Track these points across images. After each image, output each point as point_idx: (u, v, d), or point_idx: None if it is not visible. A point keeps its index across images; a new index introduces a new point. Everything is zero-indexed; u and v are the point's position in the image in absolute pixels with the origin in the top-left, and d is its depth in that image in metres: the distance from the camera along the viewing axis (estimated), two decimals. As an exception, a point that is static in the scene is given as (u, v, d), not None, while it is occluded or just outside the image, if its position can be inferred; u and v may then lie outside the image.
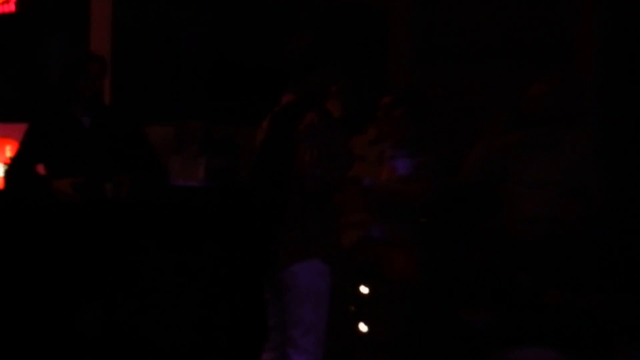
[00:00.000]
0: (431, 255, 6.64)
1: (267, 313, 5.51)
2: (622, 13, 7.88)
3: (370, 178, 6.49)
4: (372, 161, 6.59)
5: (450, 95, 8.37)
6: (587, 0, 7.99)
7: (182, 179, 7.53)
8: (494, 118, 6.89)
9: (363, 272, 6.57)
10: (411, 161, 6.53)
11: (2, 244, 6.79)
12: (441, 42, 8.58)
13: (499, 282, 6.55)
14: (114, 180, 6.28)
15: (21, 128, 6.60)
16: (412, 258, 6.46)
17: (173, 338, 7.25)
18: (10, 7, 8.64)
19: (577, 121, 6.88)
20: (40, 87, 8.71)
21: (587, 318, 6.30)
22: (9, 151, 7.27)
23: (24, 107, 8.19)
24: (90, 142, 6.34)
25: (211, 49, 8.69)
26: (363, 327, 6.56)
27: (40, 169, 6.49)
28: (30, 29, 8.90)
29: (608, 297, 6.41)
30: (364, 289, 6.56)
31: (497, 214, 6.78)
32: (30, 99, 8.60)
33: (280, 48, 5.36)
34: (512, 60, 8.33)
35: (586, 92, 7.24)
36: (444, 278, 6.59)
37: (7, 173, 6.73)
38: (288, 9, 8.79)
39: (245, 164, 7.17)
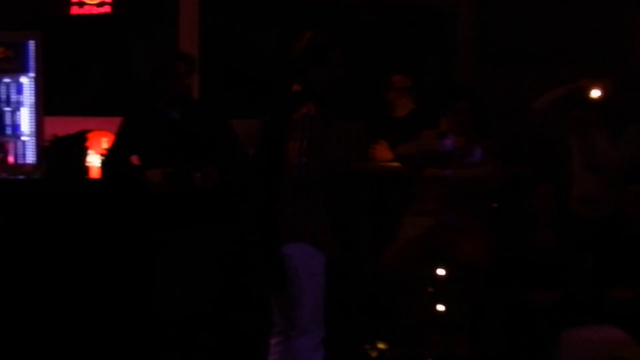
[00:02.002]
0: (501, 239, 6.90)
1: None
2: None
3: (449, 170, 6.82)
4: (442, 152, 6.89)
5: (510, 93, 8.66)
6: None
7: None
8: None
9: (439, 255, 6.87)
10: (478, 149, 6.83)
11: (98, 229, 7.16)
12: (504, 42, 8.93)
13: (565, 263, 6.78)
14: (202, 171, 6.61)
15: (116, 121, 7.00)
16: (483, 242, 6.75)
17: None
18: (106, 9, 9.10)
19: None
20: (133, 84, 9.17)
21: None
22: (105, 143, 7.64)
23: (119, 102, 8.57)
24: (180, 135, 6.70)
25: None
26: (440, 308, 6.86)
27: (134, 159, 6.88)
28: (124, 29, 9.39)
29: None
30: (440, 271, 6.86)
31: (561, 195, 7.03)
32: (123, 95, 9.02)
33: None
34: (570, 61, 8.60)
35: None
36: (514, 260, 6.80)
37: (104, 163, 7.18)
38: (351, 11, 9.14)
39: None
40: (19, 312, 6.94)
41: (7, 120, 8.30)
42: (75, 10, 9.16)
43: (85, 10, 9.13)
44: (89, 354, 6.94)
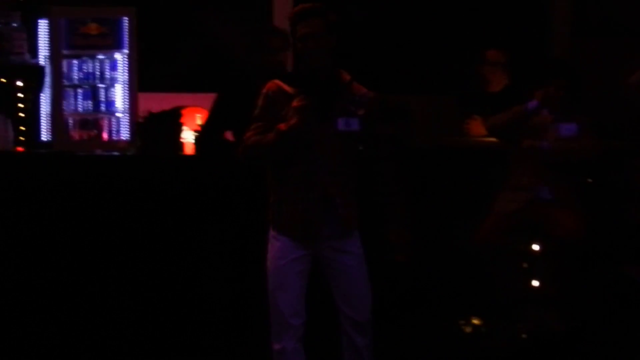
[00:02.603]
0: (596, 214, 6.91)
1: None
2: None
3: (546, 142, 6.83)
4: (537, 127, 6.90)
5: (606, 67, 8.63)
6: None
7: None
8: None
9: (533, 231, 6.90)
10: (574, 123, 6.83)
11: (191, 205, 7.33)
12: (600, 15, 8.86)
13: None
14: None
15: (210, 97, 7.12)
16: (578, 217, 6.75)
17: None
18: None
19: None
20: (226, 59, 9.29)
21: None
22: (199, 119, 7.79)
23: (212, 78, 8.70)
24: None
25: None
26: (534, 283, 6.90)
27: (229, 135, 7.02)
28: (218, 5, 9.53)
29: None
30: (535, 247, 6.89)
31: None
32: (217, 71, 9.15)
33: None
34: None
35: None
36: (609, 235, 6.81)
37: (198, 139, 7.31)
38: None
39: (416, 130, 7.58)
40: (116, 288, 7.14)
41: (102, 96, 8.56)
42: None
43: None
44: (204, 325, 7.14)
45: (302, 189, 5.19)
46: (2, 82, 8.13)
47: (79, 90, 8.47)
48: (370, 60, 9.11)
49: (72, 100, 8.46)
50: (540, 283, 6.87)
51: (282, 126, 5.04)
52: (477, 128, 7.62)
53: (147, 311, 7.03)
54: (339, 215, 5.19)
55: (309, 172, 5.18)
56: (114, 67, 8.51)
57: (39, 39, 8.42)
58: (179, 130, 7.66)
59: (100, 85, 8.52)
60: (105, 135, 8.52)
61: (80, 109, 8.49)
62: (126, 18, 8.36)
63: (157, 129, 7.67)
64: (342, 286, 5.24)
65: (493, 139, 7.27)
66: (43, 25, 8.35)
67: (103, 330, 6.97)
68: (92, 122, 8.56)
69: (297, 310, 5.16)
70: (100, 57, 8.48)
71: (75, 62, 8.44)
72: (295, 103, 5.08)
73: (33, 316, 6.96)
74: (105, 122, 8.57)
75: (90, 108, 8.53)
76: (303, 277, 5.22)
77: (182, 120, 7.65)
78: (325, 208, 5.19)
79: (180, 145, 7.69)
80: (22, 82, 8.18)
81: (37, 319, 6.96)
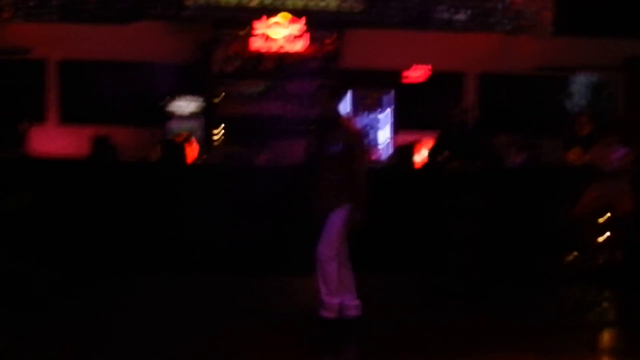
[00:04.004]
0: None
1: None
2: None
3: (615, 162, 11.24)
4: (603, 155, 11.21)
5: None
6: None
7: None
8: None
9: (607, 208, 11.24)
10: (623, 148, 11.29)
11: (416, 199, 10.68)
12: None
13: None
14: (474, 164, 11.32)
15: (431, 134, 12.00)
16: (632, 200, 11.03)
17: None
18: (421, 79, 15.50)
19: None
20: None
21: None
22: (426, 147, 12.68)
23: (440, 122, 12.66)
24: (469, 140, 11.53)
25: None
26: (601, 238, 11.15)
27: (446, 153, 11.33)
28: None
29: None
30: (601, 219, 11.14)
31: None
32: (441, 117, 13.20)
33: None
34: None
35: None
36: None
37: (428, 157, 12.00)
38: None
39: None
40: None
41: (373, 135, 14.77)
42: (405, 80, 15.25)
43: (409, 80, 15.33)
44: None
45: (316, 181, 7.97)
46: None
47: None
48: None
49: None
50: (608, 237, 11.24)
51: None
52: (576, 156, 11.49)
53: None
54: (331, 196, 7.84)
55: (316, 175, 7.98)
56: (378, 120, 14.84)
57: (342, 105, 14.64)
58: (412, 154, 12.91)
59: (372, 129, 14.86)
60: (375, 156, 14.69)
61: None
62: (388, 94, 14.67)
63: (403, 153, 13.11)
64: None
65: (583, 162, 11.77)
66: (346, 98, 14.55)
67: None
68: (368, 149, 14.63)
69: None
70: (372, 115, 14.82)
71: (359, 117, 14.72)
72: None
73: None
74: (375, 149, 14.81)
75: (366, 141, 14.62)
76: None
77: (415, 149, 12.92)
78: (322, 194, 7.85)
79: (412, 163, 12.81)
80: None
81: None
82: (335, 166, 7.80)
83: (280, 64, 14.58)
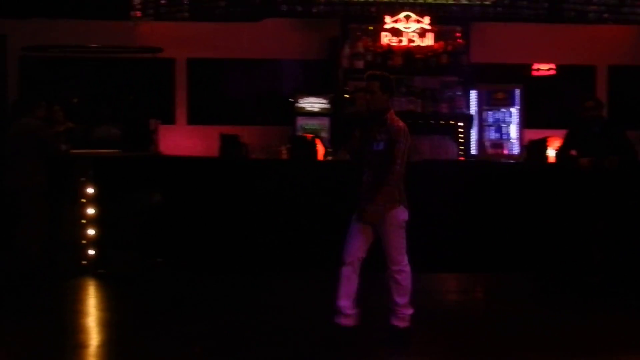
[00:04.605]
0: None
1: None
2: None
3: None
4: None
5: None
6: None
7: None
8: None
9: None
10: None
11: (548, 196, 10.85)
12: None
13: None
14: (609, 159, 10.93)
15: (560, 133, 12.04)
16: None
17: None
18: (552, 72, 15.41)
19: None
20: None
21: None
22: (557, 143, 12.25)
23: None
24: (598, 139, 11.71)
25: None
26: None
27: (573, 152, 11.38)
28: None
29: None
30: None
31: None
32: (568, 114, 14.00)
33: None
34: None
35: None
36: None
37: (557, 155, 11.97)
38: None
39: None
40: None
41: (503, 131, 14.78)
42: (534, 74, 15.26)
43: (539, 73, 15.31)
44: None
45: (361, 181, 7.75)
46: (451, 123, 14.37)
47: (491, 128, 14.82)
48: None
49: (487, 133, 14.78)
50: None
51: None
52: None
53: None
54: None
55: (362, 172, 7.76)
56: (509, 115, 14.73)
57: (471, 100, 14.81)
58: (546, 150, 12.74)
59: (502, 125, 14.76)
60: (505, 152, 14.66)
61: (492, 137, 14.80)
62: (518, 89, 14.53)
63: (535, 149, 12.82)
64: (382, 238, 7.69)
65: None
66: (473, 94, 14.79)
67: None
68: (498, 144, 14.69)
69: None
70: (503, 110, 14.73)
71: (489, 113, 14.84)
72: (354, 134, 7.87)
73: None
74: (506, 144, 14.71)
75: (498, 137, 14.78)
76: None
77: (548, 144, 12.65)
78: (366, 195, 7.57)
79: (546, 158, 12.66)
80: (462, 123, 14.44)
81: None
82: (379, 165, 7.50)
83: (410, 58, 14.49)
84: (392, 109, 7.71)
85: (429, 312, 8.71)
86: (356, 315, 7.56)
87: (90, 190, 10.73)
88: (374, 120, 7.58)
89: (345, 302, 7.50)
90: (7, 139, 10.43)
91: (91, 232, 10.72)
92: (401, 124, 7.54)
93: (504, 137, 14.72)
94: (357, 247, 7.54)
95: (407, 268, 7.58)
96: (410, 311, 7.61)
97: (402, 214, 7.51)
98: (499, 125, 14.75)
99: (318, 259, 9.66)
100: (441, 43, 14.56)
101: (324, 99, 14.12)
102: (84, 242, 10.74)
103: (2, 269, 9.66)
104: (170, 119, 14.53)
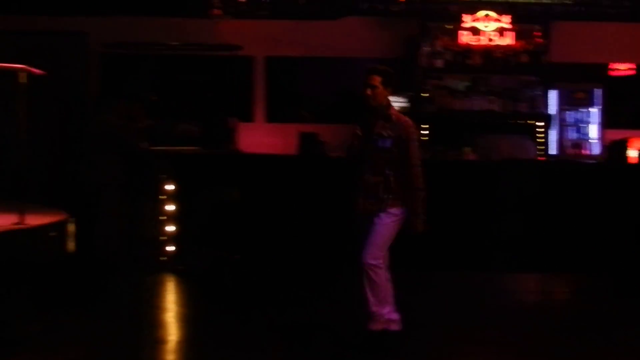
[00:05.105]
0: None
1: None
2: None
3: None
4: None
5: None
6: None
7: None
8: None
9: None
10: None
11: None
12: None
13: None
14: None
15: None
16: None
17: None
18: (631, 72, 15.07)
19: None
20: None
21: None
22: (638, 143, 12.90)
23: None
24: None
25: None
26: None
27: None
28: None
29: None
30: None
31: None
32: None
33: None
34: None
35: None
36: None
37: None
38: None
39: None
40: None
41: (583, 131, 14.58)
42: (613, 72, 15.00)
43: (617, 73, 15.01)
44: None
45: (358, 182, 7.43)
46: (530, 123, 14.23)
47: (571, 128, 14.59)
48: None
49: (567, 133, 14.57)
50: None
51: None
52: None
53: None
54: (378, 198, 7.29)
55: (361, 172, 7.38)
56: (589, 115, 14.55)
57: (551, 100, 14.60)
58: (626, 150, 12.90)
59: (582, 125, 14.57)
60: (585, 152, 14.44)
61: (571, 137, 14.57)
62: (598, 89, 14.39)
63: (615, 149, 13.09)
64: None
65: None
66: (552, 93, 14.57)
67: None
68: (578, 144, 14.47)
69: None
70: (582, 110, 14.53)
71: (569, 112, 14.61)
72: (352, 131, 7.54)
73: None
74: (586, 145, 14.51)
75: (578, 137, 14.55)
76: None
77: (628, 144, 12.83)
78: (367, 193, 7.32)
79: (626, 158, 12.79)
80: (541, 123, 14.25)
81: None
82: (384, 162, 7.26)
83: (489, 57, 14.38)
84: (393, 105, 7.50)
85: (509, 311, 8.87)
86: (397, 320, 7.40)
87: (169, 187, 10.87)
88: (377, 116, 7.34)
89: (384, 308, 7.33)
90: (88, 136, 10.60)
91: (170, 228, 10.87)
92: (408, 119, 7.38)
93: (584, 137, 14.47)
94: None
95: (383, 266, 7.31)
96: (386, 312, 7.32)
97: (400, 212, 7.29)
98: (578, 126, 14.53)
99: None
100: (521, 42, 14.38)
101: (403, 97, 14.05)
102: (163, 238, 10.90)
103: (83, 265, 9.77)
104: (248, 117, 14.51)
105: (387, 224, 7.22)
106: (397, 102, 14.13)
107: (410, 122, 7.33)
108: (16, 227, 7.09)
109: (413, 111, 14.03)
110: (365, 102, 7.35)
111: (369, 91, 7.31)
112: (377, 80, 7.30)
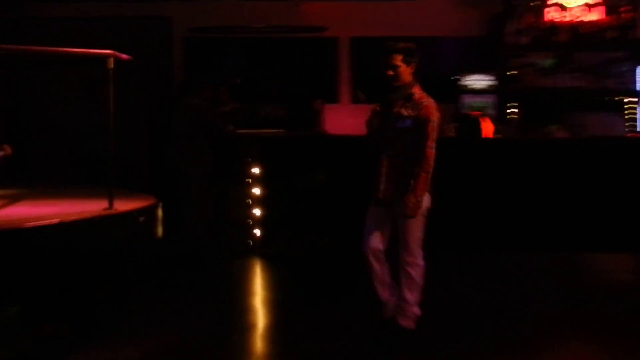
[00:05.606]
0: None
1: None
2: None
3: None
4: None
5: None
6: None
7: None
8: None
9: None
10: None
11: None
12: None
13: None
14: None
15: None
16: None
17: None
18: None
19: None
20: None
21: None
22: None
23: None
24: None
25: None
26: None
27: None
28: None
29: None
30: None
31: None
32: None
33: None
34: None
35: None
36: None
37: None
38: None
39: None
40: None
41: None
42: None
43: None
44: None
45: (376, 166, 7.01)
46: (618, 100, 13.94)
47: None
48: None
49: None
50: None
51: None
52: None
53: None
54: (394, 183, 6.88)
55: (380, 154, 6.96)
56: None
57: (638, 76, 14.18)
58: None
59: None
60: None
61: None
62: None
63: None
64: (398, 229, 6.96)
65: None
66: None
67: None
68: None
69: None
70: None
71: None
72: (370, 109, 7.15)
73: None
74: None
75: None
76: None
77: None
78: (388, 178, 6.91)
79: None
80: (630, 98, 13.90)
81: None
82: (404, 144, 6.85)
83: (575, 34, 14.12)
84: (418, 83, 7.02)
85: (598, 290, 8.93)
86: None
87: (255, 170, 10.90)
88: (398, 95, 6.92)
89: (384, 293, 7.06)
90: (174, 120, 10.67)
91: (257, 212, 10.90)
92: (431, 99, 6.89)
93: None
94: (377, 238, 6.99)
95: (422, 262, 6.95)
96: (418, 312, 6.99)
97: (427, 201, 6.87)
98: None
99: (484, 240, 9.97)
100: (608, 18, 14.09)
101: (491, 75, 13.92)
102: (249, 222, 10.94)
103: (172, 250, 9.87)
104: (333, 98, 14.50)
105: (418, 215, 6.82)
106: (485, 81, 14.11)
107: (432, 102, 6.89)
108: (106, 212, 7.15)
109: (501, 89, 13.97)
110: (388, 84, 6.97)
111: (390, 72, 6.93)
112: (397, 59, 6.89)
